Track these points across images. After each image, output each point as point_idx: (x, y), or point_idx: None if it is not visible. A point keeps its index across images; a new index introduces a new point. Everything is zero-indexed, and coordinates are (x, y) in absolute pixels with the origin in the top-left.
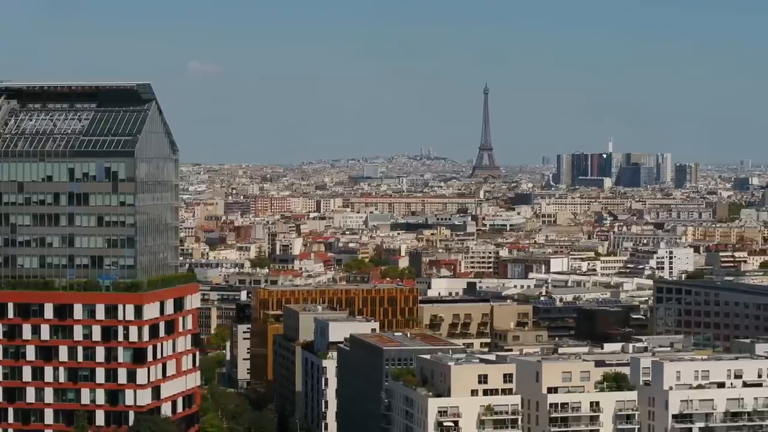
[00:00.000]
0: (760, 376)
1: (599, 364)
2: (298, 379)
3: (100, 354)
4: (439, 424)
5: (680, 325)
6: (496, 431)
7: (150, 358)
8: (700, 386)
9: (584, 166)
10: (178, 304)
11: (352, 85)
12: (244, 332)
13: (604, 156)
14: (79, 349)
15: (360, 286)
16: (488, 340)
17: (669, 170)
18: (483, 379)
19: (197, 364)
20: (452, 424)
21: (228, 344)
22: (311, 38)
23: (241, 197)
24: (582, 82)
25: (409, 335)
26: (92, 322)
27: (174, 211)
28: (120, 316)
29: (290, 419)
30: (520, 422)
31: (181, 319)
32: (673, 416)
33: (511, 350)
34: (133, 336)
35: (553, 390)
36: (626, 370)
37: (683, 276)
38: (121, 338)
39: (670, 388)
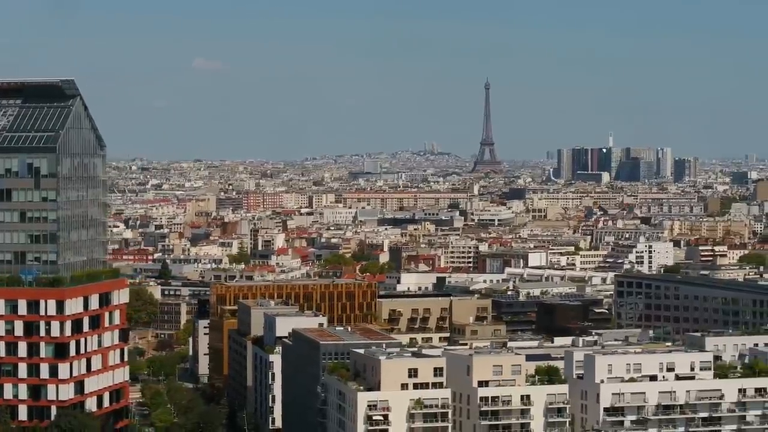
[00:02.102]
0: (692, 369)
1: (532, 357)
2: (249, 373)
3: (22, 349)
4: (369, 417)
5: (642, 319)
6: (426, 425)
7: (73, 353)
8: (632, 379)
9: (584, 161)
10: (105, 300)
11: (356, 82)
12: (204, 327)
13: (604, 150)
14: (2, 344)
15: (318, 281)
16: (447, 335)
17: (669, 165)
18: (413, 373)
19: (126, 359)
20: (381, 418)
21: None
22: (316, 36)
23: (234, 193)
24: (585, 78)
25: (350, 330)
26: (14, 317)
27: (102, 206)
28: (42, 311)
29: (238, 413)
30: (450, 416)
31: (107, 314)
32: (605, 409)
33: (466, 344)
34: (55, 331)
35: (483, 384)
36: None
37: (662, 270)
38: (43, 333)
39: (602, 382)
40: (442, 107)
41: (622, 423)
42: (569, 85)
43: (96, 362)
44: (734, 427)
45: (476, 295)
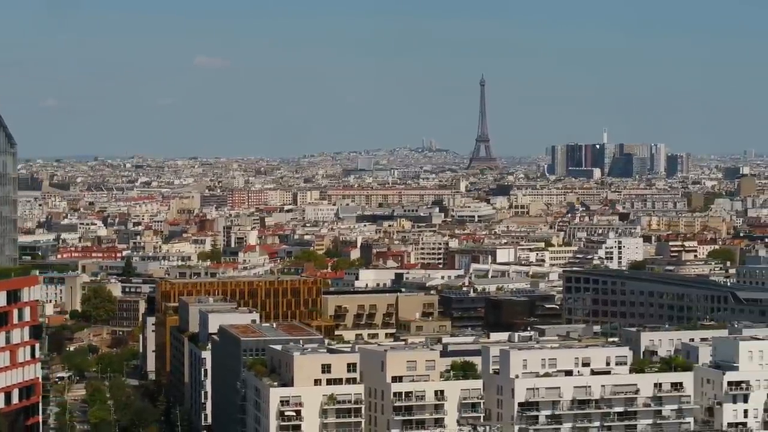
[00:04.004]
0: (608, 363)
1: (446, 353)
2: (186, 369)
3: None
4: (281, 413)
5: (590, 315)
6: (339, 420)
7: None
8: (547, 374)
9: (578, 157)
10: (14, 296)
11: (356, 80)
12: (152, 325)
13: (598, 147)
14: None
15: (263, 277)
16: (394, 331)
17: (662, 160)
18: (326, 368)
19: (37, 356)
20: (294, 414)
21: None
22: (316, 34)
23: (218, 190)
24: (583, 74)
25: (275, 326)
26: None
27: (12, 204)
28: None
29: (172, 410)
30: (363, 411)
31: (16, 311)
32: (519, 404)
33: (405, 340)
34: None
35: (397, 379)
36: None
37: (629, 266)
38: None
39: (516, 377)
40: (441, 105)
41: (536, 418)
42: (567, 81)
43: (3, 359)
44: (650, 421)
45: (431, 291)
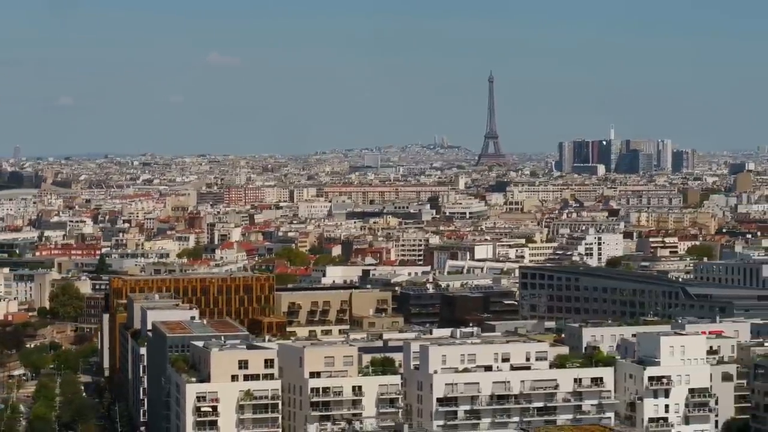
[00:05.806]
0: (528, 359)
1: (365, 350)
2: (129, 366)
3: None
4: (197, 409)
5: (547, 311)
6: (256, 416)
7: None
8: (466, 370)
9: (585, 153)
10: None
11: (369, 78)
12: (108, 321)
13: (604, 143)
14: None
15: (216, 274)
16: (347, 327)
17: (669, 156)
18: (243, 364)
19: None
20: (210, 409)
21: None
22: (328, 33)
23: (215, 188)
24: (591, 71)
25: (205, 322)
26: None
27: None
28: None
29: (112, 407)
30: (280, 407)
31: None
32: (438, 400)
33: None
34: None
35: (315, 375)
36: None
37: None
38: None
39: (435, 372)
40: (454, 102)
41: (455, 413)
42: (574, 78)
43: None
44: (570, 416)
45: (396, 288)
